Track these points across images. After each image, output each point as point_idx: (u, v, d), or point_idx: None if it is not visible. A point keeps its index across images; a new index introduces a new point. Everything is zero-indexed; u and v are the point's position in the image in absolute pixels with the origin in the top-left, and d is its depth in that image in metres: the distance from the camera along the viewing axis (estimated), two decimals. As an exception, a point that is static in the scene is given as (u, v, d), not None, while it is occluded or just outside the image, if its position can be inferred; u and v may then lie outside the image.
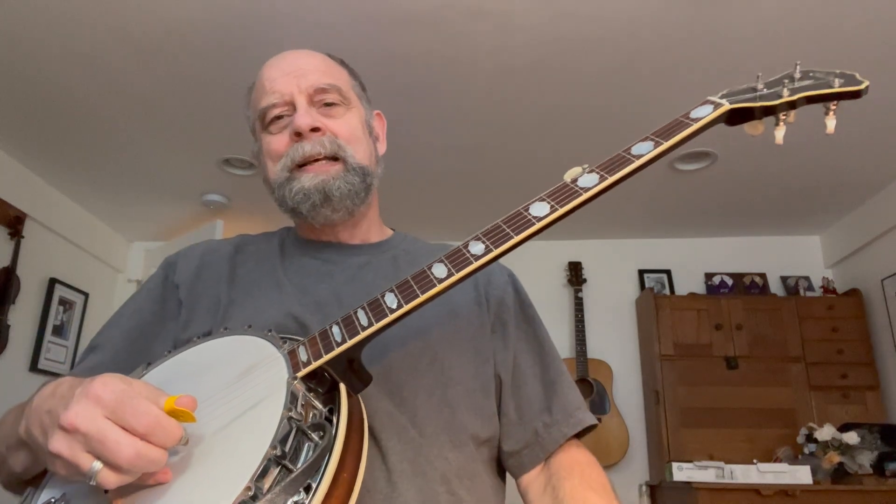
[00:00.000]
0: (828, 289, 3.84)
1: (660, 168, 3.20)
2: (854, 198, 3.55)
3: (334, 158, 0.85)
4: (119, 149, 3.15)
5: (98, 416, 0.53)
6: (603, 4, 2.16)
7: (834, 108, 0.69)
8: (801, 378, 3.49)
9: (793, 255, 4.04)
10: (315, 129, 0.84)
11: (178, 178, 3.47)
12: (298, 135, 0.84)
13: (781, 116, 0.69)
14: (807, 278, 3.94)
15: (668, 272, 4.08)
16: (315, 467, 0.54)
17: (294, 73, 0.87)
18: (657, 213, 3.79)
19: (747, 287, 3.92)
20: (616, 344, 3.96)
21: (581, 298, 3.91)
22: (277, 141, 0.87)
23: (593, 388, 3.71)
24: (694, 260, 4.05)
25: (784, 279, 3.97)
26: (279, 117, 0.87)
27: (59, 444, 0.54)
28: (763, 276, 3.96)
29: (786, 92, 0.69)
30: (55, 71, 2.53)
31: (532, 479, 0.82)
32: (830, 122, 0.70)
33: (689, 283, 4.01)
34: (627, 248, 4.09)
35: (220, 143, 3.10)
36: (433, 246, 0.99)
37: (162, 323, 0.87)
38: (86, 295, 3.87)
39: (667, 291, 4.00)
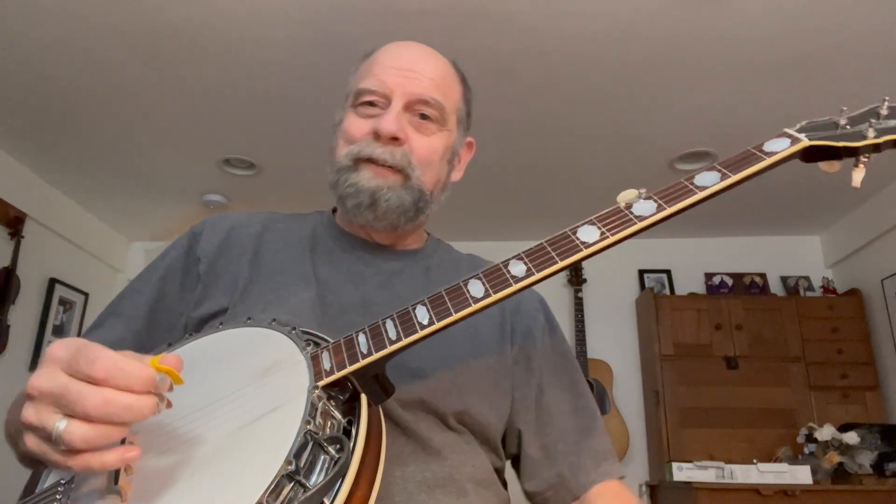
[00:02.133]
0: (828, 289, 3.84)
1: (659, 168, 3.21)
2: (854, 198, 3.55)
3: (398, 170, 0.82)
4: (119, 149, 3.15)
5: (57, 372, 0.51)
6: (603, 3, 2.16)
7: None
8: (801, 378, 3.49)
9: (793, 255, 4.04)
10: (395, 139, 0.81)
11: (178, 178, 3.47)
12: (377, 134, 0.81)
13: (863, 159, 0.63)
14: (807, 278, 3.94)
15: (668, 272, 4.08)
16: (330, 486, 0.52)
17: (407, 72, 0.83)
18: (657, 213, 3.78)
19: (747, 287, 3.92)
20: (616, 344, 3.96)
21: (581, 298, 3.91)
22: (357, 125, 0.84)
23: (593, 388, 3.70)
24: (694, 260, 4.05)
25: (784, 279, 3.96)
26: (371, 104, 0.84)
27: (27, 411, 0.52)
28: (763, 276, 3.96)
29: (871, 133, 0.62)
30: (55, 71, 2.53)
31: None
32: None
33: (689, 283, 4.01)
34: (627, 248, 4.00)
35: (220, 143, 3.09)
36: (465, 257, 0.98)
37: (182, 295, 0.86)
38: (86, 295, 3.87)
39: (667, 291, 4.00)
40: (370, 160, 0.82)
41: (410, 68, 0.84)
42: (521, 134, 2.98)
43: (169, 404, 0.55)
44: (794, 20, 2.20)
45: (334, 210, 0.97)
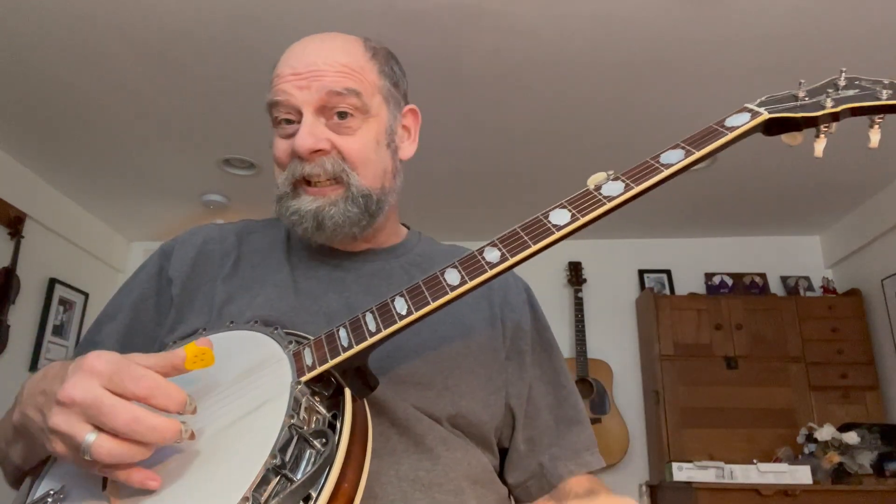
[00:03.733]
0: (828, 289, 3.84)
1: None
2: (854, 198, 3.55)
3: (338, 180, 0.78)
4: (119, 149, 3.15)
5: (95, 385, 0.53)
6: (603, 4, 2.16)
7: (880, 120, 0.63)
8: (801, 378, 3.49)
9: (793, 255, 4.04)
10: (318, 150, 0.77)
11: (178, 178, 3.47)
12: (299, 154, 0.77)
13: (823, 128, 0.64)
14: (807, 278, 3.94)
15: (668, 272, 4.08)
16: (316, 478, 0.53)
17: (307, 75, 0.77)
18: (657, 213, 3.79)
19: (747, 287, 3.92)
20: (616, 344, 3.96)
21: (581, 298, 3.91)
22: (282, 148, 0.80)
23: (593, 388, 3.70)
24: (694, 260, 4.05)
25: (784, 279, 3.96)
26: (287, 120, 0.79)
27: (57, 418, 0.53)
28: (763, 276, 3.96)
29: (829, 102, 0.63)
30: (56, 71, 2.53)
31: None
32: (875, 136, 0.63)
33: (689, 283, 4.01)
34: (627, 248, 4.09)
35: (220, 143, 3.09)
36: (447, 248, 0.95)
37: (157, 318, 0.84)
38: (86, 295, 3.87)
39: (667, 291, 4.00)
40: (307, 181, 0.79)
41: (308, 69, 0.77)
42: (520, 134, 2.98)
43: (193, 436, 0.57)
44: (792, 22, 2.20)
45: None
